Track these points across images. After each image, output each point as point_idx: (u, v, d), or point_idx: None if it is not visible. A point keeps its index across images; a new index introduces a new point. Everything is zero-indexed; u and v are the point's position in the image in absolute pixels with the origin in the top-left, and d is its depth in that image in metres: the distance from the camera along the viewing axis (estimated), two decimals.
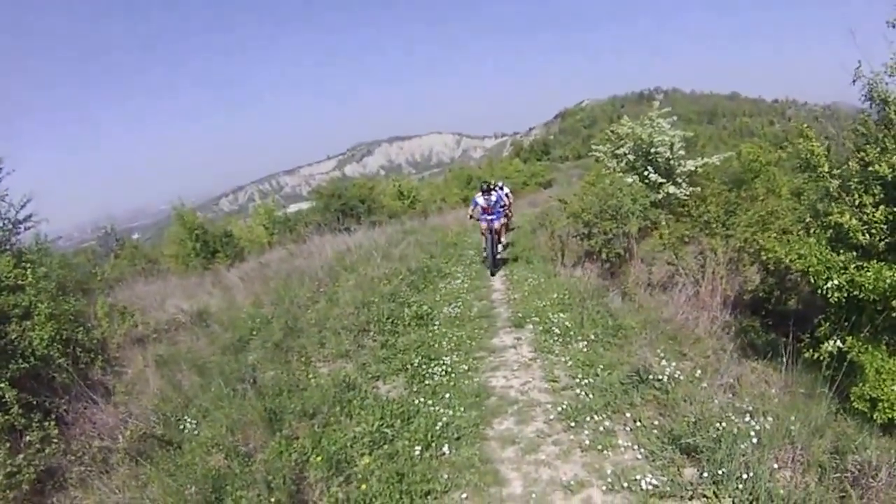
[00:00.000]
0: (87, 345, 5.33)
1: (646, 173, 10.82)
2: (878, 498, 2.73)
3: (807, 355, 4.63)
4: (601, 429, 3.62)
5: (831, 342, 4.60)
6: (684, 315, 6.06)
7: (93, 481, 3.68)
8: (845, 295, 4.47)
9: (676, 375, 3.99)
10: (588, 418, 3.77)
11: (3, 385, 4.13)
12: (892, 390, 4.22)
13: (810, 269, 4.66)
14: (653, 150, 10.90)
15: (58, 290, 5.33)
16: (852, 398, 4.36)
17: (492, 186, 10.02)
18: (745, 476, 2.79)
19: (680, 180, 10.96)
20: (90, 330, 5.57)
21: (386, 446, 3.63)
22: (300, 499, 3.15)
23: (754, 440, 3.00)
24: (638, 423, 3.63)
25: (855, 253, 4.63)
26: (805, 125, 5.22)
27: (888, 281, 4.16)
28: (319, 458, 3.43)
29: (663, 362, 4.17)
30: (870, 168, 4.59)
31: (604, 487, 3.03)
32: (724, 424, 3.21)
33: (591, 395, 4.10)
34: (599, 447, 3.42)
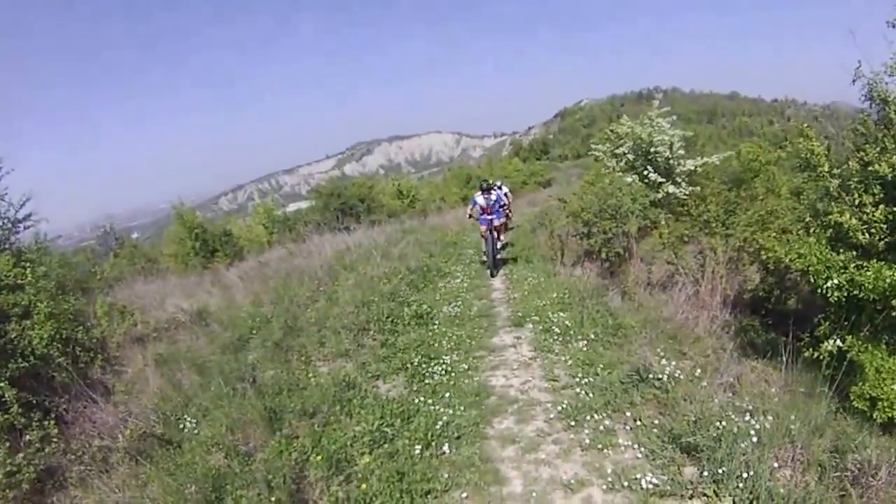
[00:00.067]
0: (87, 344, 5.33)
1: (645, 173, 10.81)
2: (878, 497, 2.73)
3: (806, 354, 4.63)
4: (601, 428, 3.63)
5: (831, 341, 4.60)
6: (684, 314, 6.06)
7: (93, 480, 3.67)
8: (845, 294, 4.47)
9: (676, 374, 4.00)
10: (588, 417, 3.77)
11: (2, 384, 4.12)
12: (892, 389, 4.22)
13: (810, 269, 4.66)
14: (652, 150, 10.89)
15: (57, 289, 5.32)
16: (852, 397, 4.36)
17: (491, 185, 9.99)
18: (745, 475, 2.79)
19: (679, 180, 10.95)
20: (90, 329, 5.56)
21: (386, 445, 3.63)
22: (300, 498, 3.15)
23: (754, 439, 3.00)
24: (638, 422, 3.63)
25: (855, 252, 4.63)
26: (805, 125, 5.22)
27: (888, 280, 4.16)
28: (319, 458, 3.43)
29: (663, 361, 4.18)
30: (869, 168, 4.59)
31: (604, 486, 3.03)
32: (724, 423, 3.21)
33: (591, 394, 4.10)
34: (599, 446, 3.42)
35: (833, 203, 4.87)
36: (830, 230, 4.87)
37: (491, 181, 11.27)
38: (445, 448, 3.53)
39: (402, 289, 7.82)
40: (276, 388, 4.64)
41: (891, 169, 4.40)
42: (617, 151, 11.55)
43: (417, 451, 3.48)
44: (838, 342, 4.57)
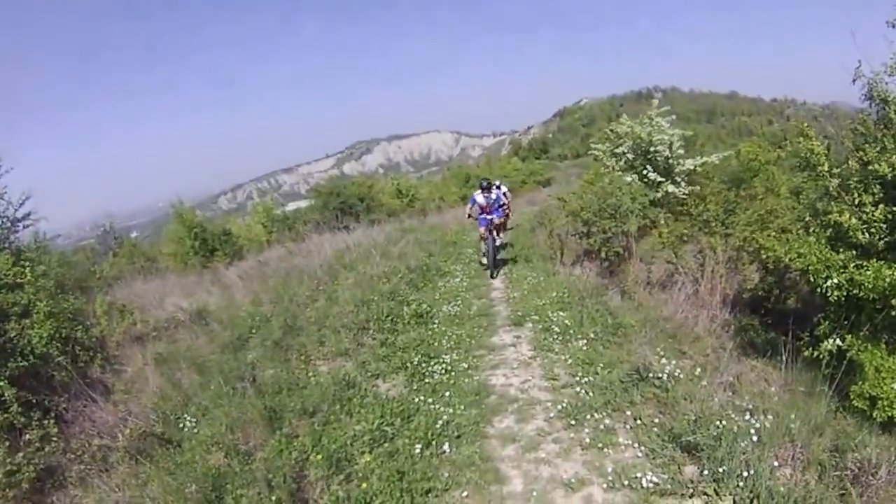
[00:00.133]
0: (87, 343, 5.32)
1: (645, 172, 10.81)
2: (878, 496, 2.73)
3: (806, 354, 4.63)
4: (601, 427, 3.63)
5: (831, 340, 4.61)
6: (684, 313, 6.07)
7: (92, 480, 3.67)
8: (845, 293, 4.48)
9: (676, 374, 4.00)
10: (588, 416, 3.77)
11: (2, 383, 4.12)
12: (892, 388, 4.23)
13: (810, 268, 4.66)
14: (652, 149, 10.88)
15: (57, 288, 5.31)
16: (852, 396, 4.37)
17: (492, 184, 9.96)
18: (745, 474, 2.79)
19: (679, 179, 10.95)
20: (89, 328, 5.56)
21: (386, 444, 3.63)
22: (300, 497, 3.15)
23: (754, 438, 3.00)
24: (638, 422, 3.63)
25: (854, 252, 4.64)
26: (805, 124, 5.23)
27: (887, 279, 4.16)
28: (320, 457, 3.43)
29: (663, 360, 4.18)
30: (869, 167, 4.60)
31: (604, 485, 3.03)
32: (724, 422, 3.21)
33: (591, 394, 4.10)
34: (600, 445, 3.42)
35: (833, 202, 4.88)
36: (830, 230, 4.88)
37: (491, 180, 11.26)
38: (446, 447, 3.53)
39: (402, 288, 7.82)
40: (275, 388, 4.64)
41: (890, 168, 4.41)
42: (616, 151, 11.55)
43: (418, 450, 3.48)
44: (838, 341, 4.58)
